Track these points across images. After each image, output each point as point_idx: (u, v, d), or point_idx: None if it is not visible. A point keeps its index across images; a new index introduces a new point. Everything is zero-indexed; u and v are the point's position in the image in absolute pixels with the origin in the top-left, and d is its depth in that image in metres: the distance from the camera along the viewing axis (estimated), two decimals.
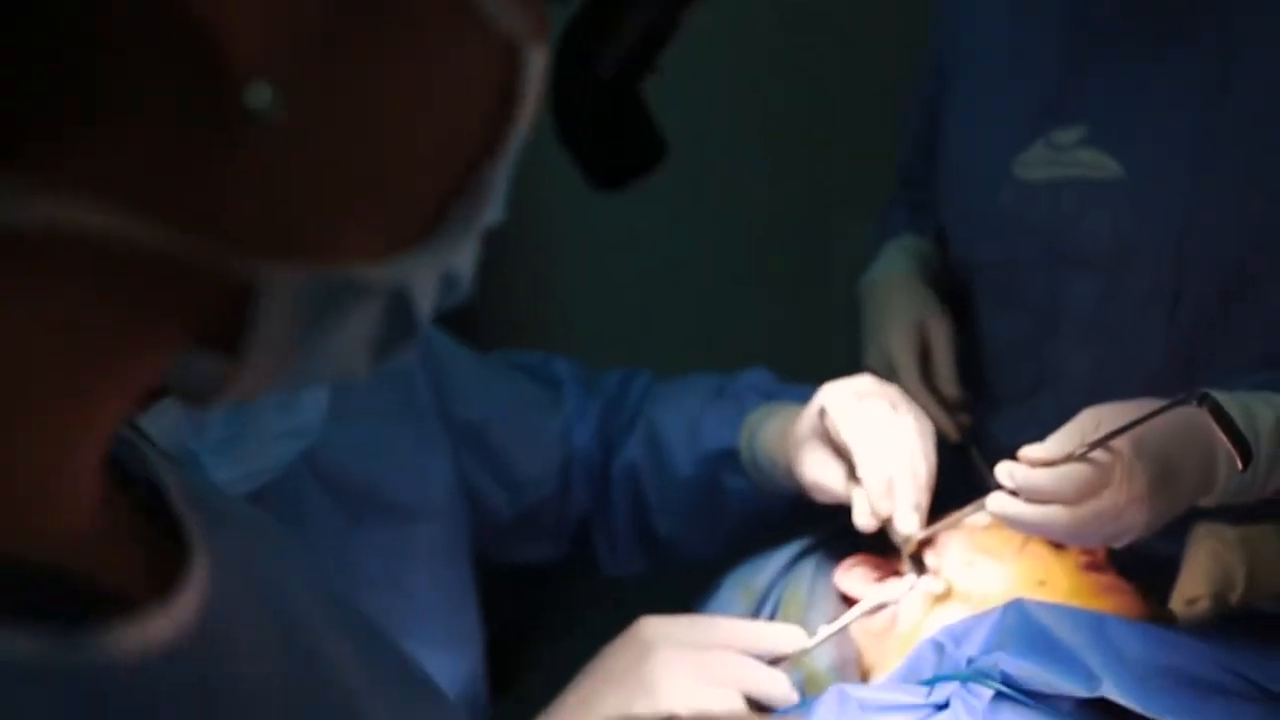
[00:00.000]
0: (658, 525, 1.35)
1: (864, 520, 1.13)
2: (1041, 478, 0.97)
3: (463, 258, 0.41)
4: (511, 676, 1.60)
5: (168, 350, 0.37)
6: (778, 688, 1.04)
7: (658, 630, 1.05)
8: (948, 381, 1.34)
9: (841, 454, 1.15)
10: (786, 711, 1.07)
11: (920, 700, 0.93)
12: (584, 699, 1.02)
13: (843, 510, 1.16)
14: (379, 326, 0.39)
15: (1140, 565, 1.13)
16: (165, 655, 0.36)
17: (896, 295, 1.39)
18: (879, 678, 1.08)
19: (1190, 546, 1.16)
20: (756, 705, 1.04)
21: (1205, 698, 0.92)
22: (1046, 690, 0.92)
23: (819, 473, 1.16)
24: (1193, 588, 1.14)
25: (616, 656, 1.04)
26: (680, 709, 0.98)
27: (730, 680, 1.02)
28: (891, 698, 0.92)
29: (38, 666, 0.32)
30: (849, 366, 1.26)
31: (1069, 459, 0.96)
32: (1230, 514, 1.06)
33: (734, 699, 1.01)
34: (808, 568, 1.23)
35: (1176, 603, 1.14)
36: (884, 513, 1.12)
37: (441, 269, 0.40)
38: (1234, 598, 1.15)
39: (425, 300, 0.40)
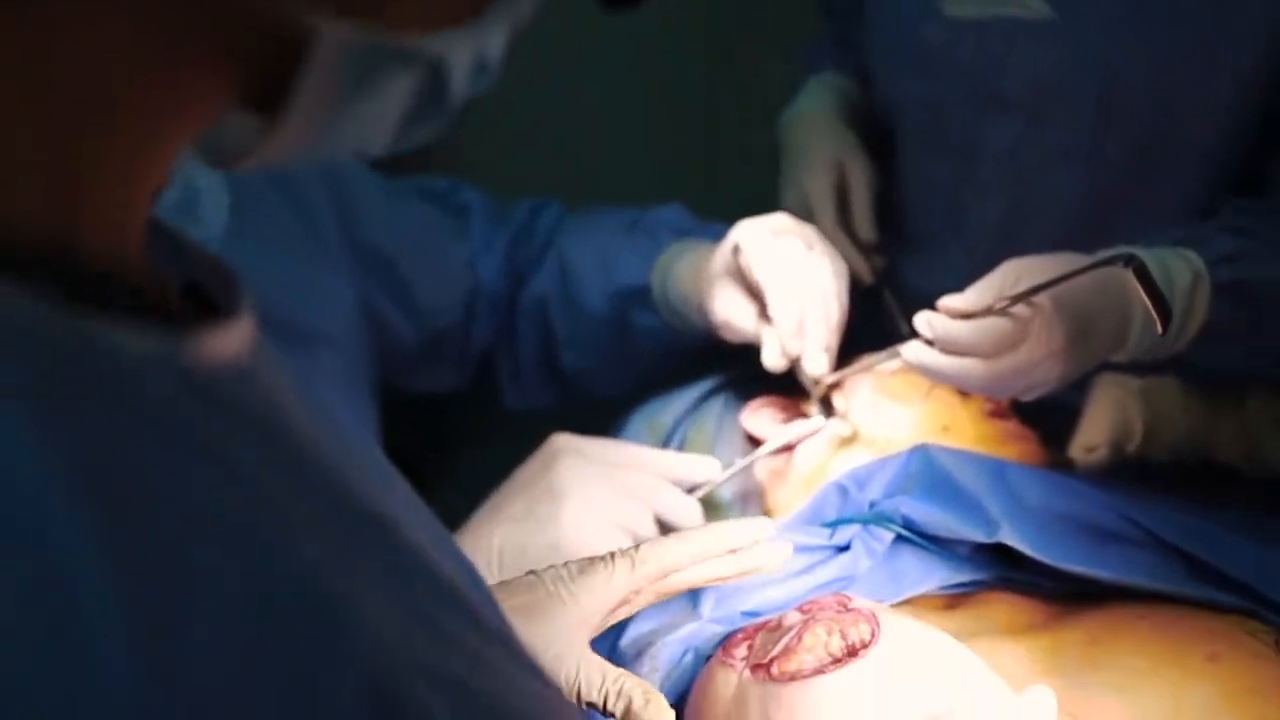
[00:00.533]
0: (564, 359, 1.33)
1: (773, 360, 1.12)
2: (960, 330, 0.95)
3: (496, 43, 0.41)
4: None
5: (216, 101, 0.37)
6: (689, 513, 1.03)
7: (569, 443, 1.04)
8: (864, 223, 1.32)
9: (753, 293, 1.13)
10: None
11: (823, 542, 0.93)
12: (492, 507, 1.02)
13: (753, 350, 1.14)
14: (413, 99, 0.40)
15: (1042, 412, 1.13)
16: (236, 373, 0.38)
17: (816, 134, 1.36)
18: (781, 518, 1.08)
19: (1092, 395, 1.17)
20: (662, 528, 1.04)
21: (1100, 544, 0.93)
22: (946, 534, 0.92)
23: (730, 311, 1.15)
24: (1092, 436, 1.15)
25: (526, 466, 1.03)
26: (586, 515, 0.97)
27: (640, 496, 1.01)
28: (794, 539, 0.92)
29: (144, 358, 0.33)
30: (767, 205, 1.23)
31: (988, 312, 0.95)
32: (1134, 366, 1.06)
33: (643, 514, 1.00)
34: (715, 406, 1.22)
35: (1076, 450, 1.15)
36: (794, 353, 1.11)
37: (479, 50, 0.41)
38: (1131, 447, 1.16)
39: (459, 80, 0.41)
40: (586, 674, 0.78)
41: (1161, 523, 0.94)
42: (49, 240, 0.34)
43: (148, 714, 0.29)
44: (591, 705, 0.78)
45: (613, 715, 0.78)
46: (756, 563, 0.81)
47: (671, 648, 0.87)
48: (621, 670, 0.78)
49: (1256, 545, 0.94)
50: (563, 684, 0.77)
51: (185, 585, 0.31)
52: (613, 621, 0.82)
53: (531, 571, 0.81)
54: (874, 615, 0.76)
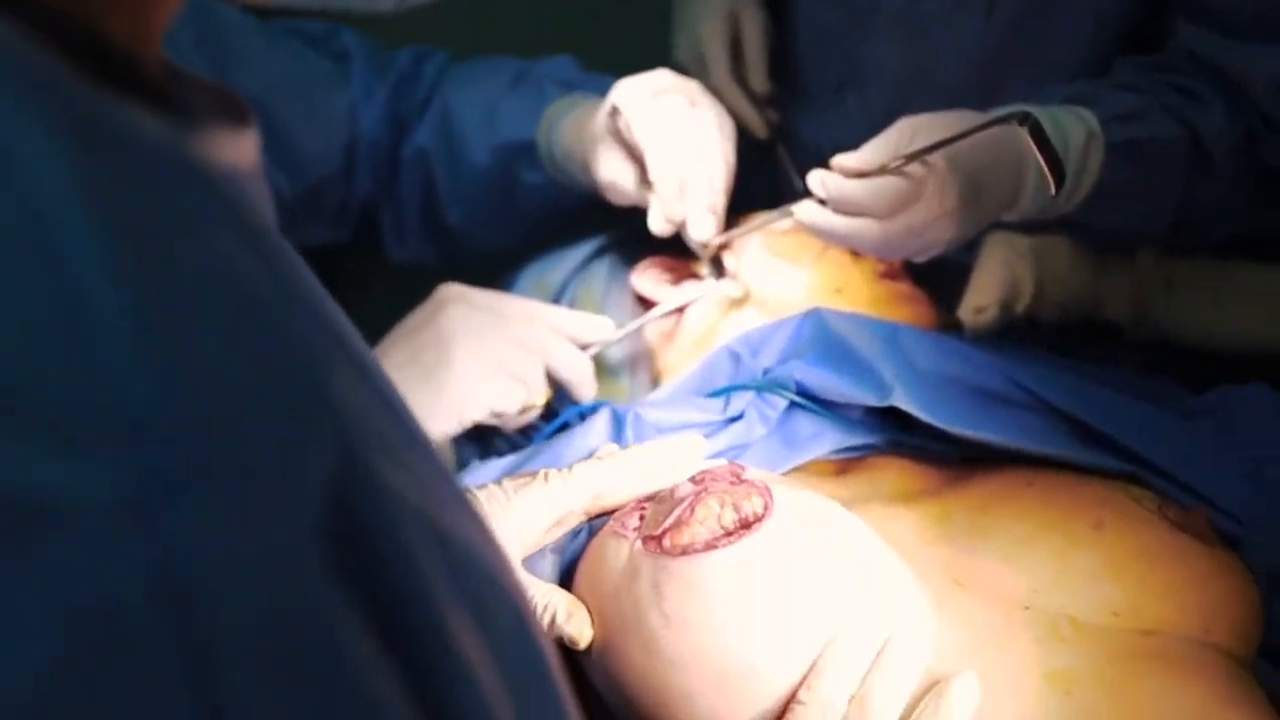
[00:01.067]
0: (448, 214, 1.28)
1: (658, 225, 1.09)
2: (854, 189, 0.93)
3: None
4: None
5: None
6: (581, 369, 1.01)
7: (459, 292, 1.00)
8: (758, 75, 1.28)
9: (635, 156, 1.09)
10: (578, 412, 1.05)
11: (715, 416, 0.91)
12: (379, 354, 0.98)
13: (641, 210, 1.11)
14: None
15: (933, 272, 1.12)
16: (244, 181, 0.37)
17: None
18: (671, 380, 1.06)
19: (982, 255, 1.16)
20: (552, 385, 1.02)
21: (989, 408, 0.93)
22: (840, 399, 0.91)
23: (613, 174, 1.10)
24: (982, 296, 1.14)
25: (414, 315, 1.00)
26: (476, 364, 0.95)
27: (530, 345, 0.98)
28: (684, 416, 0.90)
29: (162, 146, 0.32)
30: (660, 57, 1.18)
31: (883, 171, 0.92)
32: (1024, 225, 1.05)
33: (534, 365, 0.98)
34: (603, 266, 1.19)
35: (965, 311, 1.14)
36: (677, 217, 1.08)
37: None
38: (1020, 307, 1.16)
39: None
40: None
41: (1049, 386, 0.94)
42: (76, 16, 0.33)
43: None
44: None
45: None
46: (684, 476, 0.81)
47: None
48: (551, 586, 0.77)
49: (1142, 410, 0.94)
50: None
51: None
52: (546, 542, 0.81)
53: (465, 488, 0.79)
54: (767, 488, 0.74)
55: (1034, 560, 0.81)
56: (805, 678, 0.69)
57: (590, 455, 0.89)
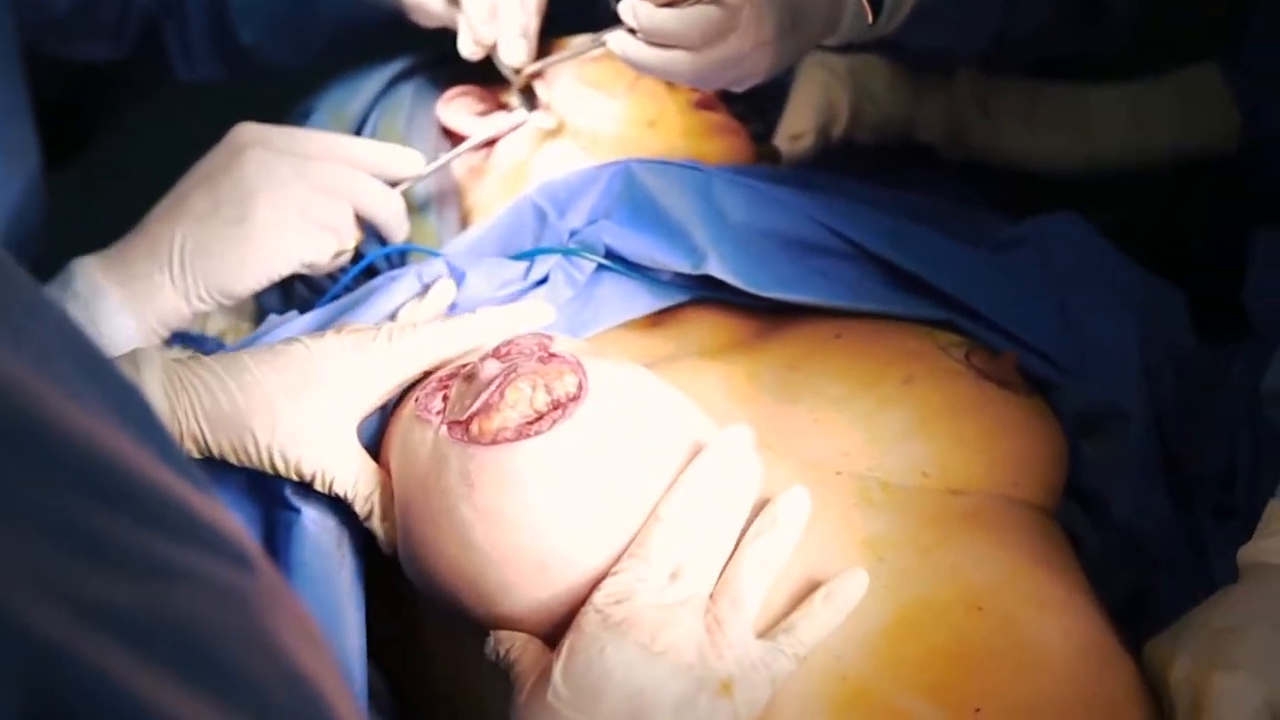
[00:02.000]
0: (240, 32, 1.15)
1: (468, 48, 1.00)
2: (666, 20, 0.85)
3: None
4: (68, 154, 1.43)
5: None
6: (393, 209, 0.94)
7: (256, 134, 0.92)
8: None
9: None
10: (384, 254, 0.98)
11: (519, 281, 0.85)
12: (174, 201, 0.90)
13: (449, 32, 1.02)
14: None
15: (750, 97, 1.07)
16: None
17: None
18: (479, 220, 0.99)
19: (798, 79, 1.11)
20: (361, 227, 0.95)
21: (804, 261, 0.89)
22: (651, 264, 0.86)
23: None
24: (798, 122, 1.09)
25: (211, 159, 0.91)
26: (280, 214, 0.88)
27: (338, 189, 0.91)
28: (488, 274, 0.84)
29: None
30: None
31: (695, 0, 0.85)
32: (842, 45, 0.99)
33: (342, 210, 0.91)
34: (406, 93, 1.09)
35: (782, 139, 1.09)
36: (487, 40, 1.00)
37: None
38: (837, 131, 1.12)
39: None
40: (345, 472, 0.73)
41: (863, 230, 0.90)
42: None
43: None
44: (341, 497, 0.73)
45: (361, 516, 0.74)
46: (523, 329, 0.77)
47: None
48: (378, 474, 0.74)
49: (956, 249, 0.92)
50: (318, 475, 0.72)
51: None
52: (384, 401, 0.75)
53: (299, 341, 0.73)
54: (579, 364, 0.70)
55: (844, 422, 0.79)
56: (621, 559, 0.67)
57: (397, 311, 0.84)
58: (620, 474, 0.67)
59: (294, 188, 0.89)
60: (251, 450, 0.72)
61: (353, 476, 0.73)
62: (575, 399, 0.68)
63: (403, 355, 0.74)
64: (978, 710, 0.66)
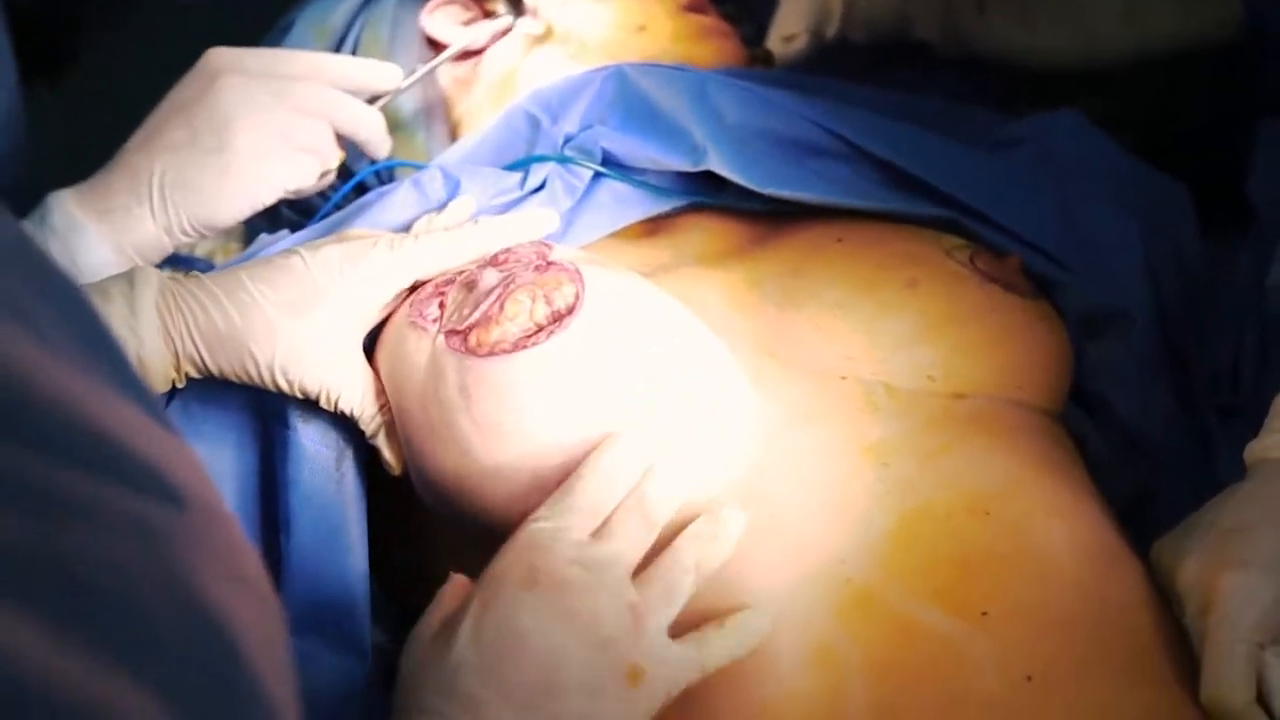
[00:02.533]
0: None
1: None
2: None
3: None
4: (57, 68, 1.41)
5: None
6: (372, 125, 0.91)
7: (229, 59, 0.88)
8: None
9: None
10: (374, 171, 0.96)
11: (515, 190, 0.83)
12: (148, 132, 0.87)
13: None
14: None
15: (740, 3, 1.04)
16: None
17: None
18: (469, 131, 0.97)
19: None
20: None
21: (802, 160, 0.86)
22: (649, 165, 0.84)
23: None
24: (791, 23, 1.07)
25: (184, 87, 0.88)
26: (260, 141, 0.85)
27: (316, 110, 0.88)
28: (483, 185, 0.82)
29: None
30: None
31: None
32: None
33: (323, 131, 0.88)
34: (389, 3, 1.06)
35: (774, 41, 1.06)
36: None
37: None
38: (831, 30, 1.09)
39: None
40: (350, 389, 0.71)
41: (861, 131, 0.88)
42: None
43: None
44: (348, 416, 0.72)
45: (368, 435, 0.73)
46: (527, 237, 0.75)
47: None
48: (368, 387, 0.71)
49: (956, 150, 0.89)
50: (322, 394, 0.70)
51: None
52: (387, 312, 0.73)
53: (296, 253, 0.71)
54: (578, 272, 0.68)
55: (848, 327, 0.77)
56: None
57: (405, 226, 0.81)
58: (618, 385, 0.66)
59: (272, 112, 0.87)
60: (252, 371, 0.70)
61: (359, 393, 0.71)
62: (572, 310, 0.66)
63: (405, 264, 0.72)
64: (984, 614, 0.65)
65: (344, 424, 0.73)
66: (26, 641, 0.26)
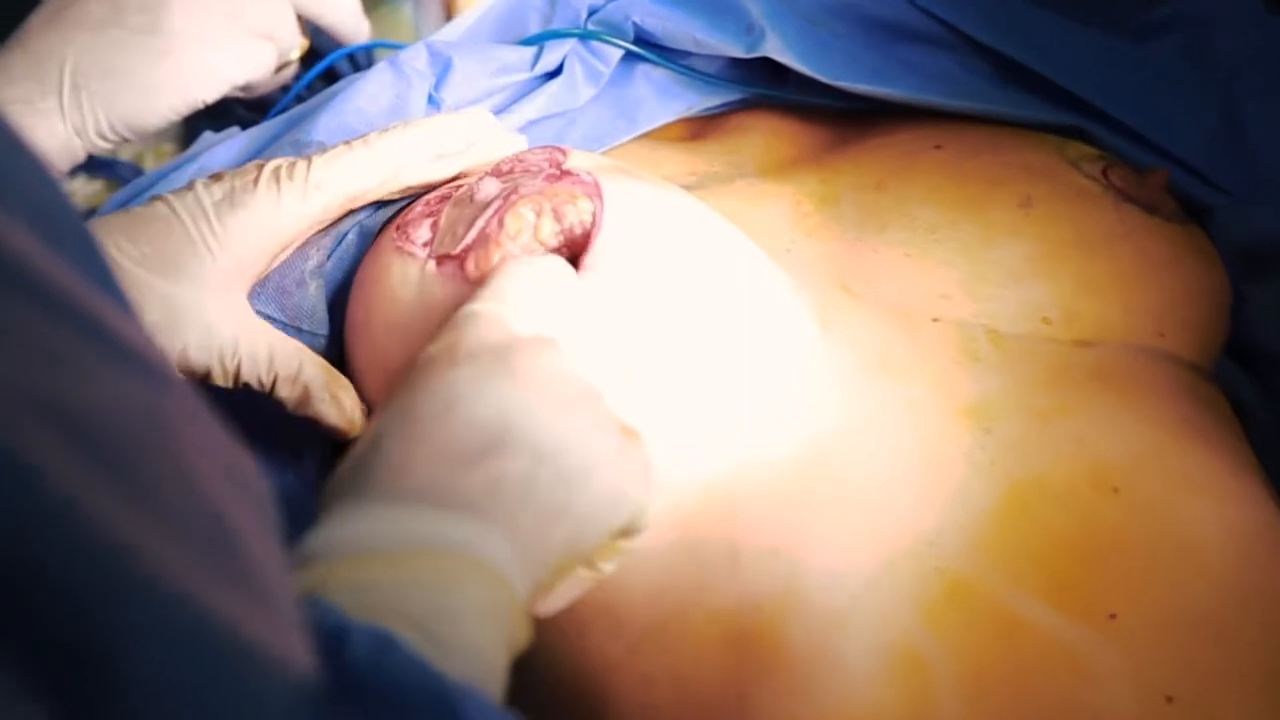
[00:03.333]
0: None
1: None
2: None
3: None
4: None
5: None
6: (343, 3, 0.92)
7: None
8: None
9: None
10: (346, 53, 0.97)
11: (523, 71, 0.83)
12: (63, 5, 0.86)
13: None
14: None
15: None
16: None
17: None
18: (468, 8, 0.97)
19: None
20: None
21: (889, 46, 0.87)
22: (693, 48, 0.85)
23: None
24: None
25: None
26: (202, 20, 0.85)
27: None
28: (487, 82, 0.82)
29: None
30: None
31: None
32: None
33: (280, 9, 0.88)
34: None
35: None
36: None
37: None
38: None
39: None
40: (250, 350, 0.69)
41: (964, 11, 0.88)
42: None
43: None
44: (255, 388, 0.70)
45: (282, 403, 0.71)
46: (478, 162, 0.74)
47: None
48: (297, 346, 0.70)
49: (1086, 37, 0.89)
50: (215, 363, 0.69)
51: None
52: (282, 260, 0.74)
53: (161, 199, 0.70)
54: (596, 185, 0.68)
55: (943, 257, 0.78)
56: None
57: (381, 121, 0.81)
58: (644, 330, 0.66)
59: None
60: None
61: (263, 355, 0.70)
62: (589, 234, 0.67)
63: (295, 203, 0.71)
64: (1112, 616, 0.66)
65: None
66: (57, 469, 0.31)
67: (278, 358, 0.70)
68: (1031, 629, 0.65)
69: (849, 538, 0.68)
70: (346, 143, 0.73)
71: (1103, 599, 0.66)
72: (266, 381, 0.70)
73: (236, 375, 0.69)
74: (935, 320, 0.76)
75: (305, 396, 0.70)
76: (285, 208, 0.71)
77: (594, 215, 0.67)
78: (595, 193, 0.68)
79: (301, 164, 0.71)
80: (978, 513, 0.68)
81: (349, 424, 0.71)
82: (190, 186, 0.71)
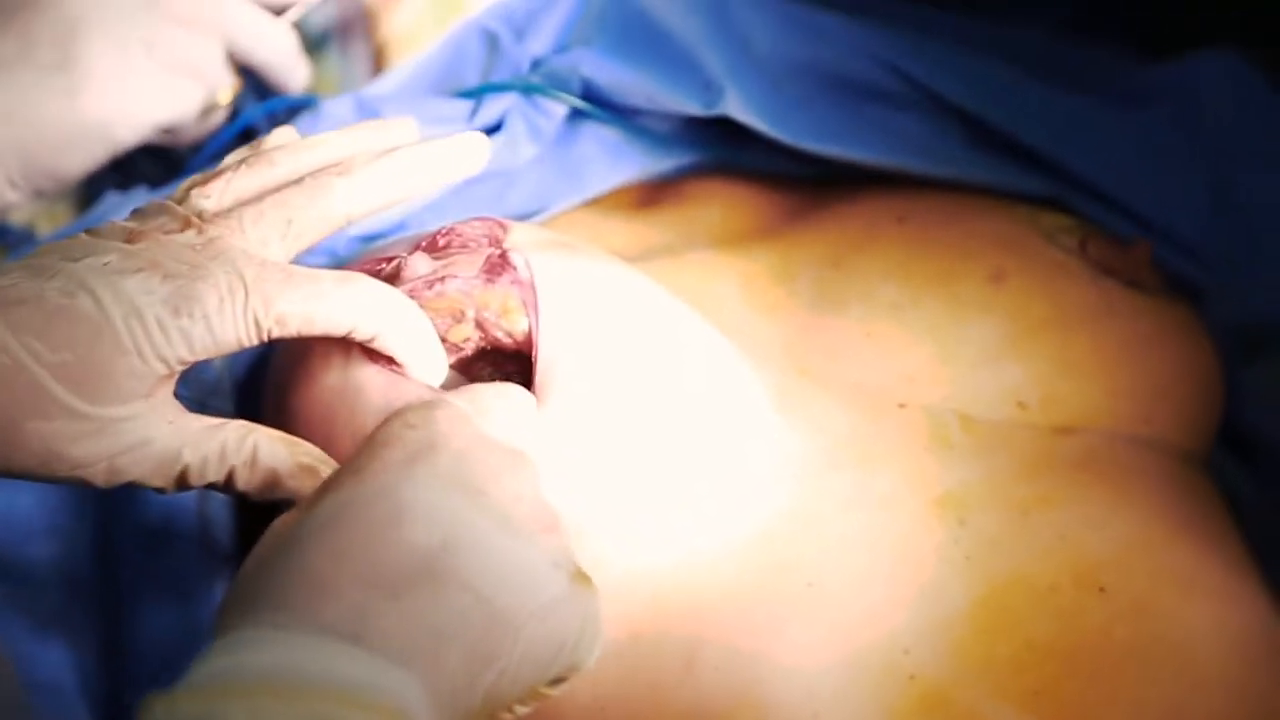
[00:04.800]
0: None
1: None
2: None
3: None
4: None
5: None
6: (281, 44, 0.92)
7: None
8: None
9: None
10: (266, 111, 0.97)
11: (459, 124, 0.84)
12: None
13: None
14: None
15: None
16: None
17: None
18: (399, 60, 0.98)
19: None
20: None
21: (855, 107, 0.88)
22: (646, 104, 0.86)
23: None
24: None
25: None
26: (121, 59, 0.85)
27: (201, 19, 0.88)
28: (417, 116, 0.83)
29: None
30: None
31: None
32: None
33: (209, 48, 0.88)
34: None
35: None
36: None
37: None
38: None
39: None
40: (196, 454, 0.64)
41: (936, 71, 0.89)
42: None
43: None
44: (216, 488, 0.65)
45: (245, 494, 0.66)
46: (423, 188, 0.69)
47: None
48: (241, 424, 0.65)
49: (1067, 101, 0.91)
50: (152, 477, 0.64)
51: None
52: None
53: (86, 292, 0.62)
54: (532, 286, 0.67)
55: (909, 336, 0.78)
56: None
57: None
58: (601, 449, 0.67)
59: (138, 18, 0.87)
60: (32, 466, 0.62)
61: (213, 452, 0.65)
62: (519, 344, 0.67)
63: (251, 335, 0.64)
64: None
65: None
66: None
67: (229, 447, 0.65)
68: None
69: (812, 634, 0.68)
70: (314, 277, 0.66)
71: (1085, 706, 0.66)
72: (221, 478, 0.65)
73: (181, 481, 0.65)
74: (901, 405, 0.77)
75: (271, 479, 0.65)
76: (238, 334, 0.63)
77: (529, 331, 0.67)
78: (531, 300, 0.67)
79: (266, 290, 0.64)
80: (953, 613, 0.69)
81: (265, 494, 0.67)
82: (120, 273, 0.63)
